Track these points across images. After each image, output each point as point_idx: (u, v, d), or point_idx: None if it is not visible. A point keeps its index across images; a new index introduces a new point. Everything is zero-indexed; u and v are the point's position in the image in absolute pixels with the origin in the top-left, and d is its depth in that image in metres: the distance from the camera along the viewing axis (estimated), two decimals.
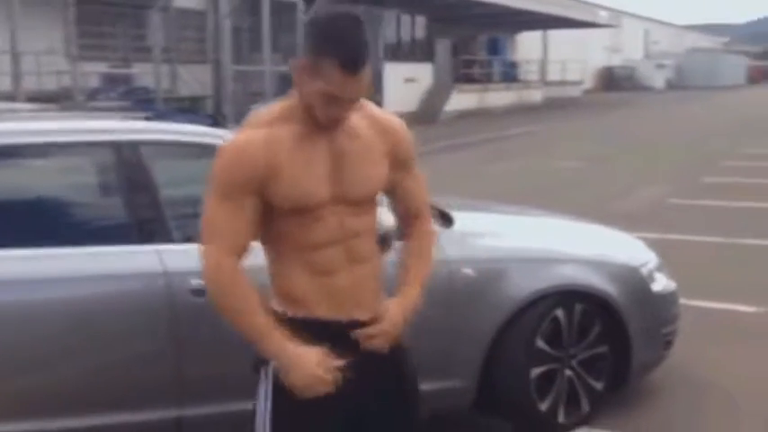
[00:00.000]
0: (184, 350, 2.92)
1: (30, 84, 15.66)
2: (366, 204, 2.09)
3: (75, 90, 15.33)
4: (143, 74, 18.32)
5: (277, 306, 2.08)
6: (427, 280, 2.22)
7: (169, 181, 3.11)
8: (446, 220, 3.59)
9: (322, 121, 1.99)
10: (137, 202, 2.98)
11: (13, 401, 2.77)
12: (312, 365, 1.97)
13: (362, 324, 2.07)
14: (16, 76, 15.12)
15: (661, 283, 3.82)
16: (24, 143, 2.99)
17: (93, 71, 17.70)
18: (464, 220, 3.63)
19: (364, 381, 2.05)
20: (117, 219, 3.02)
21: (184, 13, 20.54)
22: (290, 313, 2.06)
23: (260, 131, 2.00)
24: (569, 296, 3.49)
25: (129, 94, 16.54)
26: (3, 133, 2.99)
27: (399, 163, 2.14)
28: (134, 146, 3.03)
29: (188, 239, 2.92)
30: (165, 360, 2.91)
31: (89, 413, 2.82)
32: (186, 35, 21.23)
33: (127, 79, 18.38)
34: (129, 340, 2.87)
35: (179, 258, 2.87)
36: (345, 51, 1.89)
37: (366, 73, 1.92)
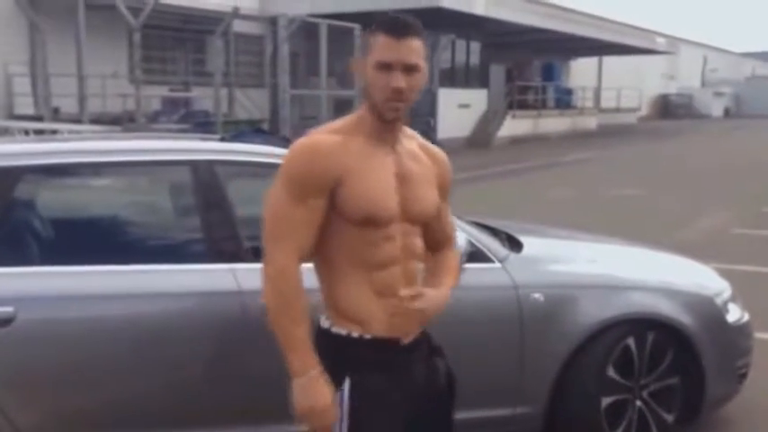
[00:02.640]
0: (257, 369, 2.93)
1: (94, 106, 16.13)
2: (421, 226, 2.15)
3: (138, 113, 15.71)
4: (202, 97, 18.70)
5: (330, 324, 2.09)
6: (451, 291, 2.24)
7: (244, 200, 3.15)
8: (514, 244, 3.57)
9: (382, 111, 2.02)
10: (212, 220, 3.03)
11: (82, 418, 2.82)
12: (324, 399, 1.99)
13: (416, 338, 2.14)
14: (82, 99, 15.59)
15: (735, 314, 3.72)
16: (105, 162, 3.07)
17: (155, 94, 18.14)
18: (533, 244, 3.61)
19: (416, 388, 2.12)
20: (193, 237, 3.07)
21: (243, 37, 20.97)
22: (353, 334, 2.07)
23: (331, 136, 2.05)
24: (641, 324, 3.42)
25: (189, 117, 16.88)
26: (85, 152, 3.08)
27: (442, 192, 2.23)
28: (210, 165, 3.08)
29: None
30: (240, 379, 2.92)
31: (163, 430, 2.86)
32: (245, 60, 21.65)
33: (186, 103, 18.77)
34: (203, 359, 2.90)
35: (253, 277, 2.90)
36: (392, 21, 2.00)
37: (416, 45, 1.99)
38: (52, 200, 3.10)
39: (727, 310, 3.68)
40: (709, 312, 3.61)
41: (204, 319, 2.90)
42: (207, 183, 3.06)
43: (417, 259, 2.14)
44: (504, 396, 3.25)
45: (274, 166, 3.07)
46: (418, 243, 2.15)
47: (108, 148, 3.19)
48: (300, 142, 2.06)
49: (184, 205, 3.17)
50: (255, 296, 2.83)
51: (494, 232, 3.70)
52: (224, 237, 3.02)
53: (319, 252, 2.08)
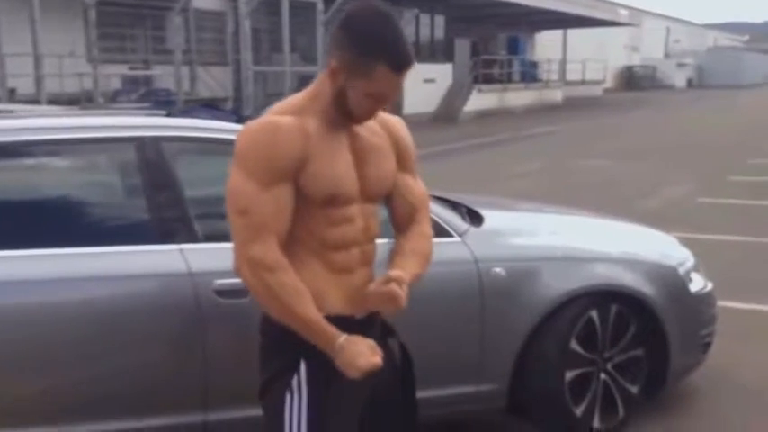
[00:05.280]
0: (209, 353, 2.82)
1: (52, 86, 15.73)
2: (378, 203, 2.09)
3: (96, 92, 15.36)
4: (163, 76, 18.35)
5: None
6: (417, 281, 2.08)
7: (192, 178, 3.02)
8: (475, 218, 3.49)
9: (356, 117, 1.96)
10: (159, 200, 2.90)
11: (31, 405, 2.69)
12: (366, 348, 1.93)
13: (369, 316, 2.05)
14: (38, 79, 15.19)
15: (699, 284, 3.68)
16: (44, 139, 2.91)
17: (114, 73, 17.77)
18: (494, 218, 3.53)
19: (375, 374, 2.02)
20: (139, 217, 2.94)
21: (204, 14, 20.59)
22: None
23: (287, 117, 1.93)
24: (604, 296, 3.36)
25: (150, 96, 16.56)
26: (23, 130, 2.92)
27: (400, 161, 2.12)
28: (156, 142, 2.94)
29: (211, 238, 2.86)
30: (190, 364, 2.82)
31: (110, 418, 2.74)
32: (206, 37, 21.27)
33: (147, 81, 18.43)
34: (151, 343, 2.79)
35: (203, 257, 2.79)
36: (397, 54, 1.87)
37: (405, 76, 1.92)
38: None
39: (690, 280, 3.64)
40: (673, 282, 3.55)
41: (154, 302, 2.78)
42: (153, 160, 2.92)
43: (373, 242, 2.08)
44: (466, 373, 3.17)
45: (223, 142, 2.98)
46: (376, 224, 2.08)
47: (48, 125, 3.02)
48: (258, 124, 1.93)
49: (130, 184, 3.03)
50: (205, 277, 2.77)
51: (454, 206, 3.61)
52: (172, 216, 2.89)
53: None
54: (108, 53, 17.59)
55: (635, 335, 3.44)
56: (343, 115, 1.96)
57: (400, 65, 1.87)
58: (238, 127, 3.08)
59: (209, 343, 2.80)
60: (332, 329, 1.93)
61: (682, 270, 3.63)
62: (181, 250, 2.82)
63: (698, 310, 3.66)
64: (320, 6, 18.76)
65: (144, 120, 3.15)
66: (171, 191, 2.90)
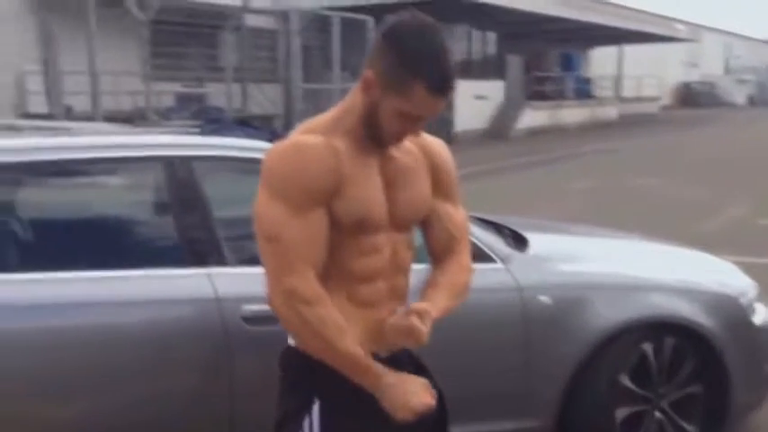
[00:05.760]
0: (236, 381, 2.69)
1: (108, 104, 16.00)
2: (411, 231, 1.92)
3: (149, 109, 15.57)
4: (215, 93, 18.52)
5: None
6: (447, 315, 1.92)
7: (222, 199, 2.91)
8: (520, 242, 3.30)
9: (385, 138, 1.79)
10: (188, 221, 2.79)
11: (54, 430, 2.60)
12: (420, 387, 1.78)
13: (396, 354, 1.88)
14: (94, 96, 15.46)
15: (762, 315, 3.42)
16: (72, 159, 2.82)
17: (168, 90, 18.00)
18: (540, 242, 3.33)
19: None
20: (167, 240, 2.83)
21: (256, 32, 20.76)
22: None
23: (317, 137, 1.76)
24: (659, 328, 3.13)
25: (201, 113, 16.70)
26: (50, 149, 2.83)
27: (439, 187, 1.95)
28: (186, 161, 2.84)
29: (240, 262, 2.74)
30: (216, 391, 2.69)
31: None
32: (258, 54, 21.46)
33: (200, 98, 18.61)
34: (177, 370, 2.67)
35: (231, 282, 2.67)
36: (437, 73, 1.70)
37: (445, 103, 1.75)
38: (13, 201, 2.85)
39: (753, 311, 3.38)
40: (734, 314, 3.30)
41: (180, 328, 2.67)
42: (183, 180, 2.82)
43: (405, 274, 1.90)
44: (507, 408, 2.98)
45: (255, 161, 2.86)
46: (407, 255, 1.90)
47: (75, 144, 2.95)
48: (285, 144, 1.77)
49: (159, 205, 2.94)
50: (233, 302, 2.64)
51: (497, 229, 3.44)
52: (201, 239, 2.78)
53: None
54: (162, 71, 17.84)
55: (693, 370, 3.20)
56: (372, 135, 1.79)
57: (440, 86, 1.70)
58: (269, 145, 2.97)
59: (237, 371, 2.68)
60: (378, 367, 1.77)
61: (744, 300, 3.37)
62: (209, 274, 2.70)
63: (761, 344, 3.39)
64: (371, 24, 18.75)
65: (174, 138, 3.05)
66: (200, 212, 2.79)
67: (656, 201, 11.08)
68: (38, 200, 2.92)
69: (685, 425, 3.22)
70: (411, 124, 1.76)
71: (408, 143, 1.89)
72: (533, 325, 2.96)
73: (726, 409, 3.26)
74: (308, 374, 1.82)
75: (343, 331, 1.74)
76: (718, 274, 3.59)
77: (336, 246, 1.79)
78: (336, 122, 1.80)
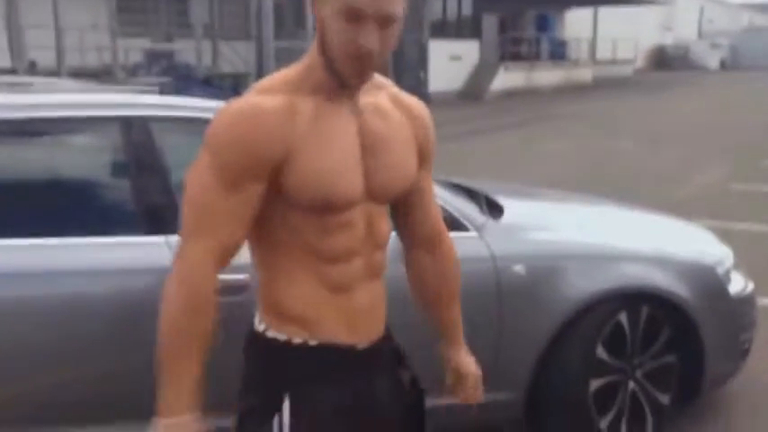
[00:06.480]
0: None
1: (73, 60, 15.60)
2: (387, 203, 1.70)
3: (116, 66, 15.19)
4: (185, 50, 18.13)
5: (265, 327, 1.63)
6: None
7: (182, 163, 2.75)
8: (494, 209, 3.19)
9: (343, 74, 1.52)
10: (146, 186, 2.64)
11: (9, 404, 2.47)
12: None
13: (376, 344, 1.69)
14: (59, 52, 15.04)
15: (738, 284, 3.36)
16: (24, 118, 2.66)
17: (136, 47, 17.57)
18: (515, 209, 3.23)
19: (379, 406, 1.69)
20: (124, 206, 2.68)
21: None
22: (295, 339, 1.61)
23: (273, 98, 1.52)
24: (634, 298, 3.06)
25: (170, 70, 16.34)
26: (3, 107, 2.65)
27: (423, 158, 1.72)
28: (144, 122, 2.68)
29: None
30: None
31: (89, 420, 2.51)
32: (229, 11, 21.00)
33: (169, 55, 18.19)
34: (135, 341, 2.54)
35: None
36: None
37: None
38: None
39: (729, 280, 3.32)
40: (710, 283, 3.24)
41: (138, 298, 2.53)
42: (141, 142, 2.66)
43: (382, 249, 1.68)
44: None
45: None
46: (385, 228, 1.68)
47: (28, 102, 2.77)
48: (233, 108, 1.52)
49: (116, 168, 2.77)
50: None
51: (471, 195, 3.32)
52: (159, 205, 2.63)
53: (258, 237, 1.61)
54: (130, 27, 17.40)
55: (668, 340, 3.14)
56: (331, 70, 1.53)
57: None
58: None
59: None
60: (193, 399, 1.52)
61: (720, 270, 3.31)
62: (168, 242, 2.56)
63: (737, 314, 3.33)
64: None
65: (131, 97, 2.87)
66: (158, 176, 2.64)
67: (629, 164, 11.05)
68: None
69: (659, 395, 3.17)
70: (359, 31, 1.47)
71: (389, 105, 1.66)
72: (507, 296, 2.87)
73: (700, 379, 3.21)
74: (279, 366, 1.63)
75: (203, 333, 1.52)
76: (694, 242, 3.52)
77: (299, 225, 1.57)
78: (302, 79, 1.56)
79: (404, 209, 1.77)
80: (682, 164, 11.10)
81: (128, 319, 2.48)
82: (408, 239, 1.83)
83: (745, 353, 3.41)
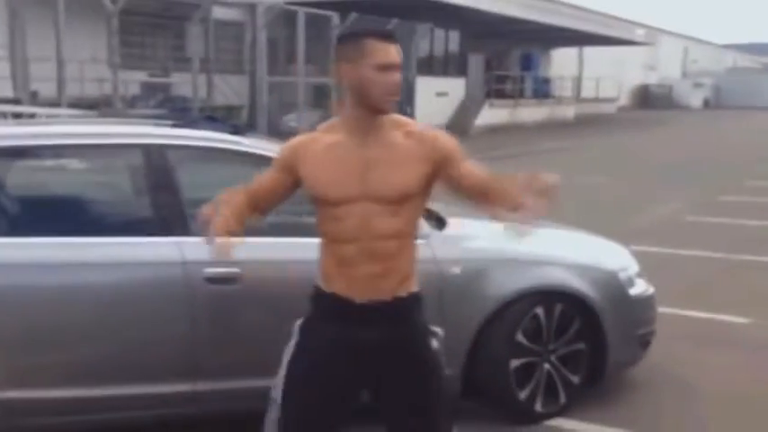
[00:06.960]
0: (198, 331, 3.30)
1: (73, 90, 16.33)
2: (398, 206, 2.37)
3: (116, 97, 15.94)
4: (181, 83, 18.91)
5: (317, 280, 2.49)
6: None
7: (191, 181, 3.50)
8: (440, 222, 3.94)
9: (380, 102, 2.32)
10: (162, 198, 3.38)
11: (50, 372, 3.18)
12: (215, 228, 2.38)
13: (383, 304, 2.40)
14: (60, 83, 15.79)
15: (639, 288, 4.12)
16: (67, 144, 3.43)
17: (134, 79, 18.35)
18: (456, 223, 3.98)
19: (381, 356, 2.42)
20: (143, 213, 3.43)
21: (223, 24, 21.18)
22: (320, 287, 2.47)
23: (310, 135, 2.48)
24: (549, 296, 3.82)
25: (167, 103, 17.11)
26: (50, 135, 3.45)
27: (444, 159, 2.42)
28: (161, 149, 3.43)
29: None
30: (182, 339, 3.29)
31: (114, 384, 3.23)
32: (224, 46, 21.86)
33: (165, 88, 18.98)
34: (150, 321, 3.27)
35: (196, 249, 3.26)
36: (374, 29, 2.37)
37: (399, 52, 2.33)
38: (13, 179, 3.44)
39: (631, 284, 4.08)
40: (613, 285, 4.01)
41: (152, 285, 3.27)
42: (158, 165, 3.41)
43: (384, 239, 2.36)
44: None
45: (222, 151, 3.48)
46: (385, 223, 2.35)
47: (68, 132, 3.55)
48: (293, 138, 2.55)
49: (137, 184, 3.53)
50: (196, 266, 3.25)
51: (427, 212, 4.07)
52: (172, 213, 3.37)
53: (317, 223, 2.47)
54: (129, 60, 18.18)
55: (577, 331, 3.88)
56: (370, 107, 2.33)
57: (384, 34, 2.33)
58: (229, 137, 3.57)
59: (198, 321, 3.28)
60: (232, 222, 2.40)
61: (623, 275, 4.07)
62: (177, 242, 3.30)
63: (636, 311, 4.11)
64: (335, 20, 19.30)
65: (151, 129, 3.65)
66: (172, 192, 3.39)
67: (598, 197, 11.83)
68: (32, 180, 3.52)
69: (570, 375, 3.91)
70: (388, 76, 2.29)
71: (400, 138, 2.38)
72: (446, 291, 3.60)
73: (604, 364, 3.97)
74: (313, 300, 2.50)
75: (231, 206, 2.40)
76: (604, 254, 4.27)
77: (321, 215, 2.43)
78: (334, 125, 2.45)
79: (461, 192, 2.48)
80: (645, 197, 11.90)
81: (150, 297, 3.22)
82: (480, 198, 2.45)
83: (645, 344, 4.17)
